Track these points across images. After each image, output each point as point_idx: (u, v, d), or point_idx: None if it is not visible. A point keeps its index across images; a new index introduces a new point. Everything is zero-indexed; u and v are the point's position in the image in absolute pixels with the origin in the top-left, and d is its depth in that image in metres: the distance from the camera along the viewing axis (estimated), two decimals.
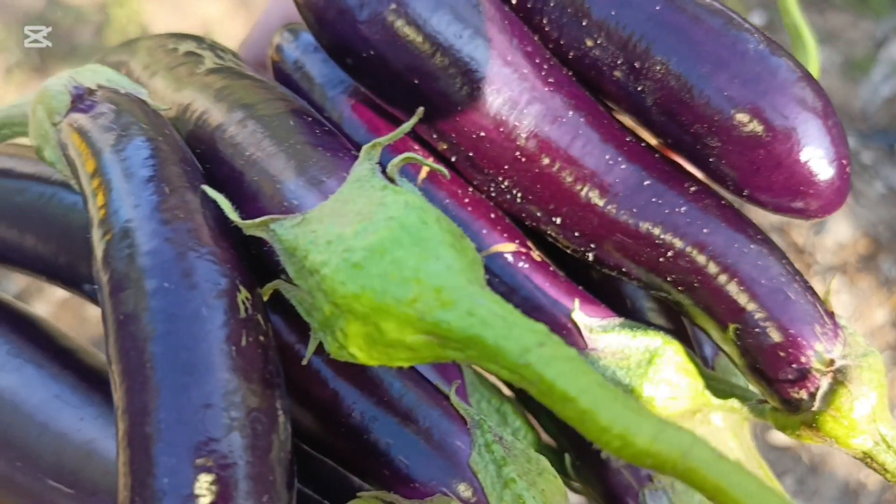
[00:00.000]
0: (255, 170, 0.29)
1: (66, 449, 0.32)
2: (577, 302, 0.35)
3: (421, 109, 0.31)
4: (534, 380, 0.22)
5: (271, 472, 0.25)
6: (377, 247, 0.25)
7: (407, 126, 0.30)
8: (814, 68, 0.42)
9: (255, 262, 0.30)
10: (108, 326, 0.26)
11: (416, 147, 0.37)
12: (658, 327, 0.37)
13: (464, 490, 0.30)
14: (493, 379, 0.42)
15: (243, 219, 0.28)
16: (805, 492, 1.18)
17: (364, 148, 0.29)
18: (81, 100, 0.31)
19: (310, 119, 0.31)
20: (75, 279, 0.37)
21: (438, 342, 0.24)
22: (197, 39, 0.39)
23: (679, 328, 0.39)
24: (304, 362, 0.29)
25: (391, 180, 0.29)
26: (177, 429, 0.24)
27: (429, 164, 0.30)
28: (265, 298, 0.29)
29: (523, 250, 0.36)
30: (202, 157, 0.31)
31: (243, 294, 0.26)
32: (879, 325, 1.79)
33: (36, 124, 0.32)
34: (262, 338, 0.26)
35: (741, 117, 0.31)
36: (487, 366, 0.24)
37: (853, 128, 2.02)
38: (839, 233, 1.91)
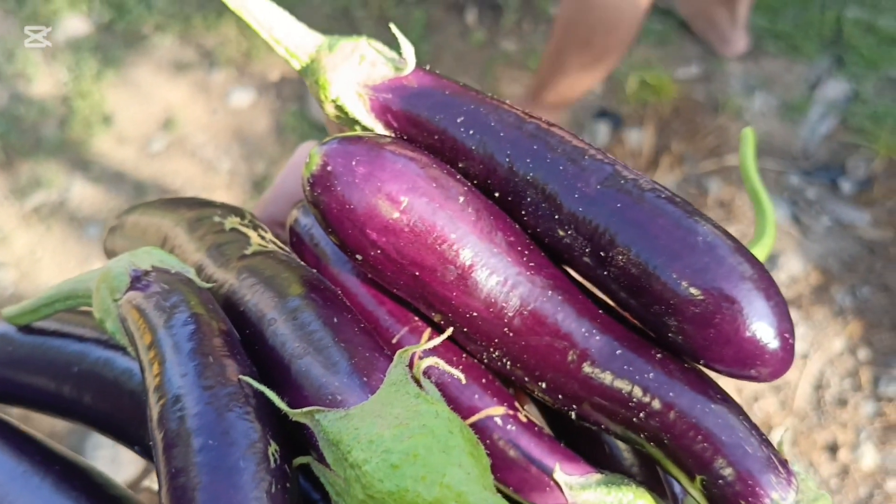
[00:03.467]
0: (302, 361, 0.34)
1: None
2: (557, 465, 0.40)
3: (451, 329, 0.37)
4: None
5: None
6: (412, 451, 0.30)
7: (437, 340, 0.35)
8: (770, 225, 0.48)
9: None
10: (161, 477, 0.32)
11: (417, 319, 0.42)
12: (633, 475, 0.42)
13: None
14: None
15: (287, 403, 0.33)
16: None
17: (397, 353, 0.34)
18: (139, 280, 0.36)
19: (350, 316, 0.36)
20: (126, 438, 0.41)
21: None
22: (239, 213, 0.44)
23: (652, 471, 0.44)
24: None
25: (416, 381, 0.34)
26: None
27: (449, 369, 0.35)
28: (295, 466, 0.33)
29: (511, 412, 0.41)
30: (249, 339, 0.36)
31: (273, 447, 0.31)
32: (838, 353, 1.85)
33: (99, 300, 0.37)
34: (288, 484, 0.31)
35: (693, 301, 0.36)
36: None
37: (796, 167, 2.11)
38: (791, 267, 1.98)
